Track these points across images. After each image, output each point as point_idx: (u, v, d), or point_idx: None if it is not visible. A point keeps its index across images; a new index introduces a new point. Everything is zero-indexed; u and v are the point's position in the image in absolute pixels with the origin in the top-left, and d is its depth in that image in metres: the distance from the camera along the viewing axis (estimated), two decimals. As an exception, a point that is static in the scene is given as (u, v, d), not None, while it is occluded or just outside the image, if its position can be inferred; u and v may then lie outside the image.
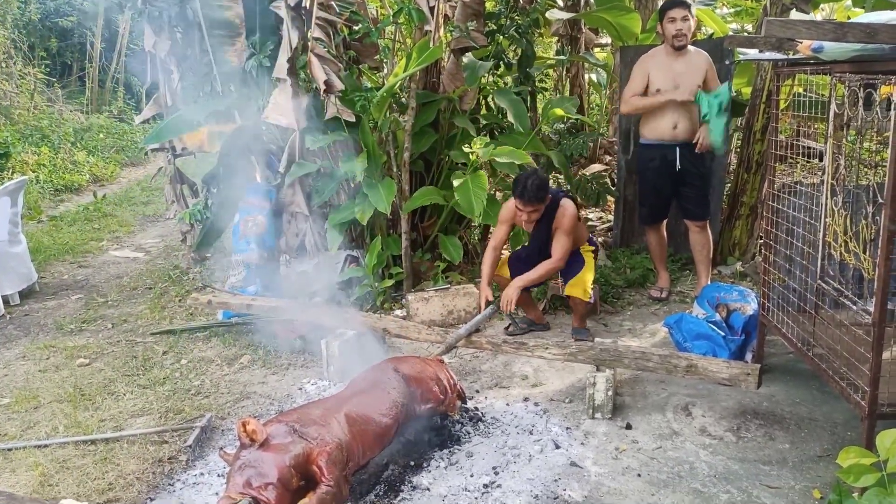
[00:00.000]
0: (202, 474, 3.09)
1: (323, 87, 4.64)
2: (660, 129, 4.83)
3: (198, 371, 4.16)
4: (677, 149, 4.78)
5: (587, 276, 4.26)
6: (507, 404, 3.64)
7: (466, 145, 5.16)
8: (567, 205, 4.15)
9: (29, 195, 8.80)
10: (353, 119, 4.91)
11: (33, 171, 9.82)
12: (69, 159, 10.94)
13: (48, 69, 13.87)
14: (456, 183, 4.72)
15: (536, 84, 6.63)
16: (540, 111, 6.62)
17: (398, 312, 4.91)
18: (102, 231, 7.89)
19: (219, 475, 3.07)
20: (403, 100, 5.28)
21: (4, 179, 8.34)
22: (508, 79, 6.50)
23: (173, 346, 4.53)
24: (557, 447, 3.19)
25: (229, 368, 4.19)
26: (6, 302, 5.37)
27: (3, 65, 12.05)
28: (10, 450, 3.28)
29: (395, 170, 5.08)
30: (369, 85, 5.50)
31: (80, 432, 3.44)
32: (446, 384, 3.25)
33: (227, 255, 5.50)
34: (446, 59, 5.25)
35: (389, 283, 5.04)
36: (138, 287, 5.88)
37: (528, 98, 6.50)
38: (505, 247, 4.64)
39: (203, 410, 3.65)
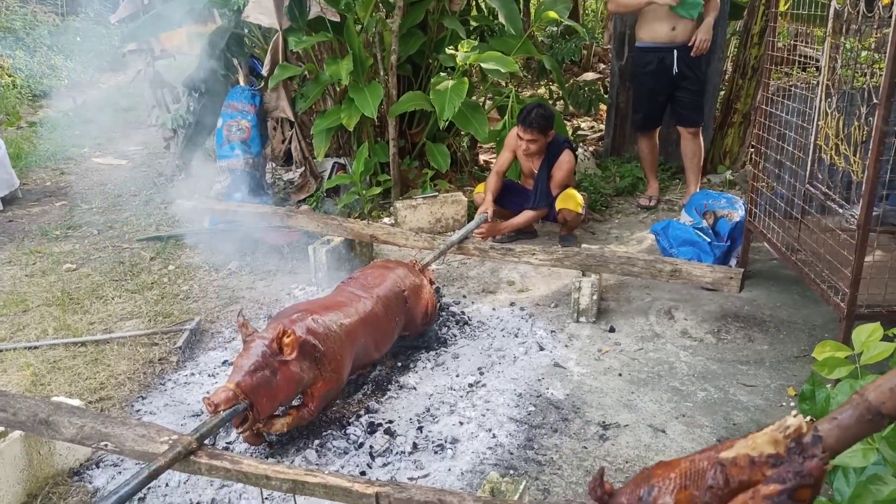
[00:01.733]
0: (193, 374, 3.14)
1: (305, -18, 4.43)
2: (657, 31, 4.68)
3: (185, 276, 4.17)
4: (675, 51, 4.66)
5: (575, 192, 4.28)
6: (494, 309, 3.69)
7: (454, 48, 4.99)
8: (568, 157, 4.28)
9: (6, 100, 8.55)
10: (337, 19, 4.71)
11: (9, 76, 9.50)
12: (46, 63, 10.57)
13: (17, -33, 13.14)
14: (438, 87, 4.60)
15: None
16: (533, 14, 6.38)
17: (386, 220, 4.90)
18: (84, 138, 7.71)
19: (209, 375, 3.12)
20: (390, -1, 5.06)
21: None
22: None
23: (160, 253, 4.52)
24: (542, 349, 3.26)
25: (217, 274, 4.20)
26: (-12, 208, 5.31)
27: (-31, -39, 11.43)
28: (0, 351, 3.31)
29: (381, 73, 4.94)
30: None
31: (70, 334, 3.47)
32: (428, 317, 3.22)
33: (213, 162, 5.40)
34: (435, -45, 5.00)
35: (377, 190, 5.00)
36: (123, 194, 5.80)
37: (521, 0, 6.25)
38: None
39: (192, 314, 3.68)
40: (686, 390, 2.90)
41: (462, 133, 5.58)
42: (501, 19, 5.13)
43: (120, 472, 2.50)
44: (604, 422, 2.70)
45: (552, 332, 3.42)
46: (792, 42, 3.49)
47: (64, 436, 2.25)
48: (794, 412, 0.90)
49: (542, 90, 7.77)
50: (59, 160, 6.80)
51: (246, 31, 5.37)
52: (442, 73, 4.88)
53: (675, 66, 4.66)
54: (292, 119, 5.16)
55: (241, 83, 5.42)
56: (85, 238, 4.83)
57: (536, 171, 4.30)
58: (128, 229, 4.98)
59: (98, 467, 2.54)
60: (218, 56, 5.33)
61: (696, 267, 3.40)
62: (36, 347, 3.34)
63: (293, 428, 2.58)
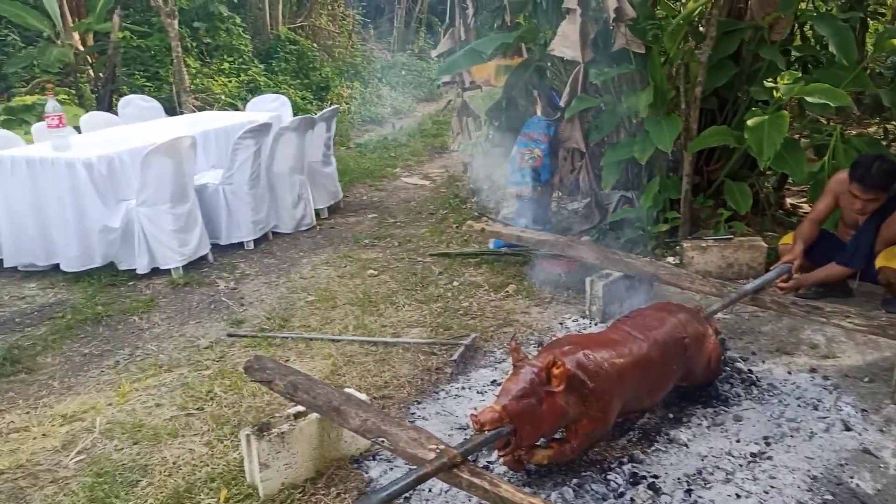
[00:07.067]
0: (463, 388, 3.27)
1: (613, 14, 4.41)
2: None
3: (467, 293, 4.39)
4: None
5: None
6: (789, 372, 3.25)
7: (771, 80, 4.56)
8: None
9: (340, 124, 9.95)
10: (642, 51, 4.61)
11: (346, 104, 11.06)
12: (375, 93, 12.12)
13: (364, 11, 15.34)
14: (750, 122, 4.21)
15: (870, 9, 5.58)
16: (871, 43, 5.59)
17: (670, 259, 4.63)
18: (397, 159, 8.64)
19: (478, 392, 3.23)
20: (701, 28, 4.81)
21: (323, 109, 9.50)
22: (833, 4, 5.58)
23: (448, 268, 4.83)
24: (848, 429, 2.77)
25: (495, 295, 4.35)
26: (317, 215, 6.18)
27: (329, 6, 13.58)
28: (311, 339, 3.81)
29: (682, 106, 4.70)
30: (664, 13, 5.11)
31: (365, 333, 3.87)
32: (710, 370, 2.95)
33: (503, 187, 5.65)
34: (758, -19, 4.63)
35: (664, 227, 4.76)
36: (422, 212, 6.35)
37: (858, 26, 5.52)
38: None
39: (469, 330, 3.85)
40: None
41: (769, 172, 5.06)
42: (832, 48, 4.55)
43: (392, 469, 2.68)
44: (927, 535, 2.19)
45: (863, 410, 2.89)
46: None
47: (350, 425, 2.48)
48: None
49: (872, 129, 6.75)
50: (374, 178, 7.70)
51: (549, 63, 5.53)
52: (753, 108, 4.48)
53: None
54: (583, 150, 5.16)
55: (539, 113, 5.59)
56: (387, 248, 5.38)
57: (861, 224, 3.69)
58: (423, 244, 5.42)
59: (374, 459, 2.75)
60: (520, 88, 5.57)
61: None
62: (338, 341, 3.78)
63: (552, 462, 2.53)
